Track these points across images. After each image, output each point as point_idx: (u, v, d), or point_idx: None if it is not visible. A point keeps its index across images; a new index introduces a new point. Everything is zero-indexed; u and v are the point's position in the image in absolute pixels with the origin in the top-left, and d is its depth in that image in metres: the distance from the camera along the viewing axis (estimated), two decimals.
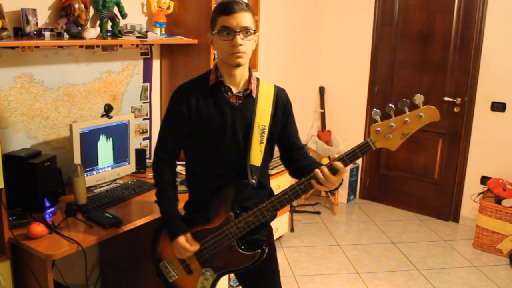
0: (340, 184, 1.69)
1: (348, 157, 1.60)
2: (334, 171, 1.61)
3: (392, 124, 1.55)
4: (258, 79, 1.84)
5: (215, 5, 1.78)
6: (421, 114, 1.53)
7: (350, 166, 4.53)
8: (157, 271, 1.92)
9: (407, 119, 1.54)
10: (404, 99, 1.54)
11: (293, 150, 1.88)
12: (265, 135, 1.77)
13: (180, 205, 1.89)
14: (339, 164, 1.60)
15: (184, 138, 1.79)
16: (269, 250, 1.84)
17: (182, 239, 1.75)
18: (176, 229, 1.78)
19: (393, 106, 1.55)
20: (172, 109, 1.80)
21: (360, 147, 1.59)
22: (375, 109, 1.60)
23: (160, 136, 1.83)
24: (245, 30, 1.67)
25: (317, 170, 1.61)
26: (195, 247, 1.77)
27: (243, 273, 1.91)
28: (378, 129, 1.57)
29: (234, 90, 1.77)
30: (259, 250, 1.77)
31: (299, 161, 1.85)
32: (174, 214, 1.80)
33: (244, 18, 1.67)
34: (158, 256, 1.91)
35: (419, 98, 1.52)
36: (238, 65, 1.70)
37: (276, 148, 1.92)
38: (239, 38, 1.66)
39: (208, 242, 1.78)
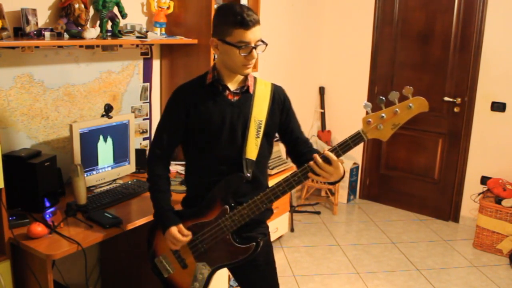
0: (342, 178, 1.71)
1: (341, 148, 1.63)
2: (326, 160, 1.63)
3: (383, 115, 1.58)
4: (255, 78, 1.86)
5: (221, 9, 1.72)
6: (410, 104, 1.56)
7: (351, 166, 4.53)
8: (152, 267, 1.94)
9: (397, 109, 1.57)
10: (394, 91, 1.57)
11: (298, 144, 1.90)
12: (261, 129, 1.79)
13: (178, 205, 1.89)
14: (330, 154, 1.62)
15: (180, 136, 1.83)
16: (265, 247, 1.85)
17: (174, 230, 1.77)
18: (167, 220, 1.79)
19: (383, 98, 1.58)
20: (170, 108, 1.83)
21: (352, 138, 1.62)
22: (366, 102, 1.63)
23: (156, 133, 1.86)
24: (260, 43, 1.71)
25: (311, 162, 1.64)
26: (187, 237, 1.78)
27: (240, 271, 1.92)
28: (369, 120, 1.60)
29: (232, 88, 1.80)
30: (254, 243, 1.78)
31: (305, 154, 1.86)
32: (166, 207, 1.81)
33: (258, 31, 1.69)
34: (153, 252, 1.92)
35: (408, 90, 1.55)
36: (247, 74, 1.76)
37: (282, 146, 1.93)
38: (255, 52, 1.69)
39: (204, 235, 1.79)
